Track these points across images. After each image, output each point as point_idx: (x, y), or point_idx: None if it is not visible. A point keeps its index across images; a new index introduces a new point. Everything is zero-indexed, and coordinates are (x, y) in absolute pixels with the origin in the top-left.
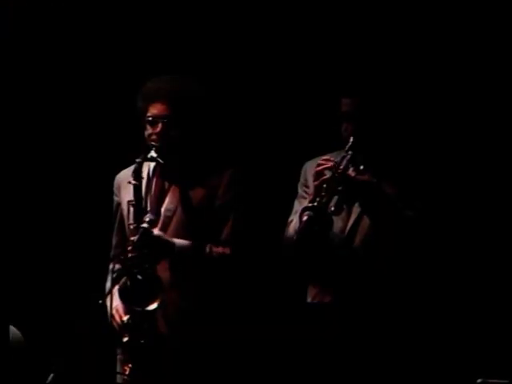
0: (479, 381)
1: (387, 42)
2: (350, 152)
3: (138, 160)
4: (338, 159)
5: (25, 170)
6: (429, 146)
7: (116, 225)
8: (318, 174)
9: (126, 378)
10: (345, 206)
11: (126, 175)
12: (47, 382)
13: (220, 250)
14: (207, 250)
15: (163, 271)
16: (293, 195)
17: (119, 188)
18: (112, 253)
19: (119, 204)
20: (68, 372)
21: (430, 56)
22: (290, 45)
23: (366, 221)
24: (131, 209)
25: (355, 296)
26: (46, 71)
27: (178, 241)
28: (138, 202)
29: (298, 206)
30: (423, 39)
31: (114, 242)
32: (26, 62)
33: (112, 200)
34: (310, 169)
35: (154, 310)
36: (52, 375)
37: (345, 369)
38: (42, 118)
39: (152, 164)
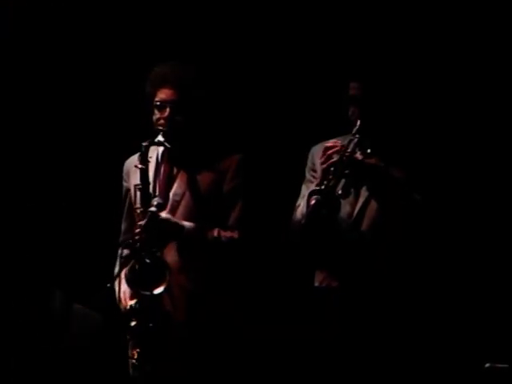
0: (487, 365)
1: (394, 27)
2: (357, 135)
3: (144, 144)
4: (346, 143)
5: (37, 156)
6: (435, 130)
7: (125, 211)
8: (326, 158)
9: (134, 362)
10: (352, 190)
11: (134, 161)
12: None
13: (228, 234)
14: (215, 233)
15: (171, 255)
16: (300, 179)
17: (128, 174)
18: (121, 238)
19: (128, 190)
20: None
21: (439, 39)
22: (298, 30)
23: (373, 205)
24: (138, 193)
25: (362, 280)
26: (54, 56)
27: (186, 223)
28: (144, 185)
29: (305, 190)
30: (430, 24)
31: (123, 227)
32: (31, 48)
33: (121, 186)
34: (317, 153)
35: (161, 293)
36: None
37: (351, 353)
38: (53, 104)
39: (161, 149)
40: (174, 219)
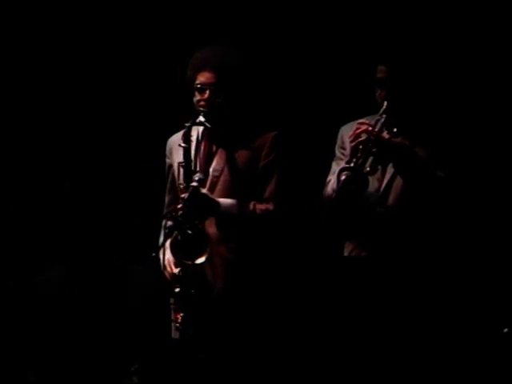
0: (505, 330)
1: (419, 12)
2: (383, 116)
3: (187, 124)
4: (373, 123)
5: (84, 132)
6: (458, 110)
7: (168, 185)
8: (355, 137)
9: (178, 325)
10: (379, 167)
11: (176, 139)
12: None
13: (263, 206)
14: (251, 207)
15: (212, 227)
16: (330, 157)
17: (171, 151)
18: (165, 211)
19: (171, 166)
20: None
21: (463, 22)
22: (330, 15)
23: (399, 181)
24: (181, 169)
25: (389, 250)
26: (90, 41)
27: (222, 200)
28: (187, 163)
29: (335, 166)
30: (453, 7)
31: (166, 200)
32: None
33: (165, 162)
34: (346, 132)
35: (203, 262)
36: None
37: (379, 320)
38: (104, 84)
39: (201, 128)
40: (211, 196)
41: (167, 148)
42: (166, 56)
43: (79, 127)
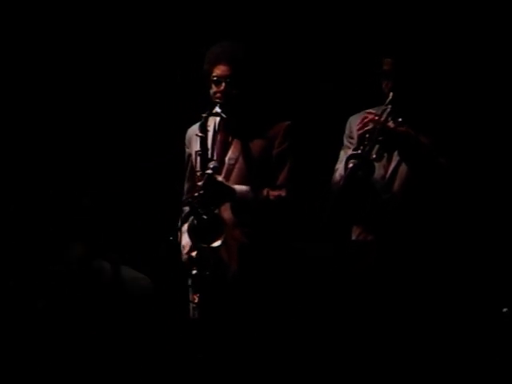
0: (505, 310)
1: (424, 5)
2: (389, 106)
3: (204, 115)
4: (380, 112)
5: (105, 124)
6: (461, 101)
7: (187, 173)
8: (362, 126)
9: (194, 305)
10: (385, 155)
11: (195, 129)
12: None
13: (276, 193)
14: (265, 193)
15: (227, 212)
16: (339, 146)
17: (190, 141)
18: (184, 197)
19: (190, 155)
20: None
21: (467, 15)
22: (339, 7)
23: (404, 168)
24: (198, 158)
25: (395, 235)
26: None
27: (237, 186)
28: (203, 151)
29: (343, 155)
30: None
31: (185, 188)
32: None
33: (185, 152)
34: (354, 122)
35: (218, 246)
36: None
37: (387, 302)
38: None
39: (217, 119)
40: (227, 183)
41: (186, 138)
42: (166, 56)
43: (79, 127)
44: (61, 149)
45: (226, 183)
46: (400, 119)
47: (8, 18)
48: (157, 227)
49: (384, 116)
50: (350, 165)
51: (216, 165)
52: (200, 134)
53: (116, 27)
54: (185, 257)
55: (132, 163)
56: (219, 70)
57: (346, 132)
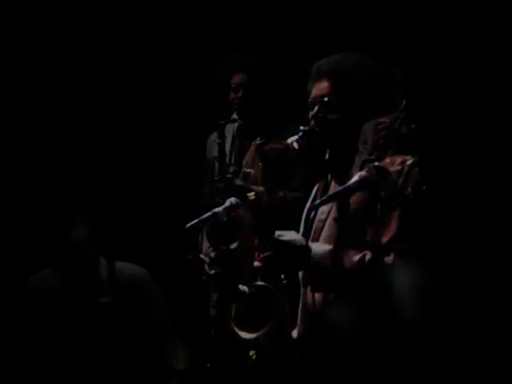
0: None
1: (432, 15)
2: (402, 113)
3: (221, 122)
4: (393, 120)
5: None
6: (471, 108)
7: (209, 178)
8: (376, 132)
9: (214, 303)
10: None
11: (215, 136)
12: None
13: (292, 194)
14: (281, 194)
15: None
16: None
17: (210, 147)
18: (204, 201)
19: (210, 160)
20: None
21: (475, 24)
22: (347, 20)
23: (416, 171)
24: (216, 163)
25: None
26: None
27: (256, 188)
28: (221, 157)
29: (358, 160)
30: (465, 10)
31: (206, 191)
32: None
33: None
34: (368, 129)
35: (236, 248)
36: None
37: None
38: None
39: (236, 125)
40: (247, 185)
41: (208, 144)
42: (166, 56)
43: (79, 127)
44: (61, 149)
45: (246, 185)
46: (413, 126)
47: (8, 18)
48: (157, 227)
49: (397, 123)
50: (365, 169)
51: (236, 169)
52: (218, 140)
53: (116, 28)
54: (204, 257)
55: (132, 163)
56: (237, 78)
57: (361, 138)
